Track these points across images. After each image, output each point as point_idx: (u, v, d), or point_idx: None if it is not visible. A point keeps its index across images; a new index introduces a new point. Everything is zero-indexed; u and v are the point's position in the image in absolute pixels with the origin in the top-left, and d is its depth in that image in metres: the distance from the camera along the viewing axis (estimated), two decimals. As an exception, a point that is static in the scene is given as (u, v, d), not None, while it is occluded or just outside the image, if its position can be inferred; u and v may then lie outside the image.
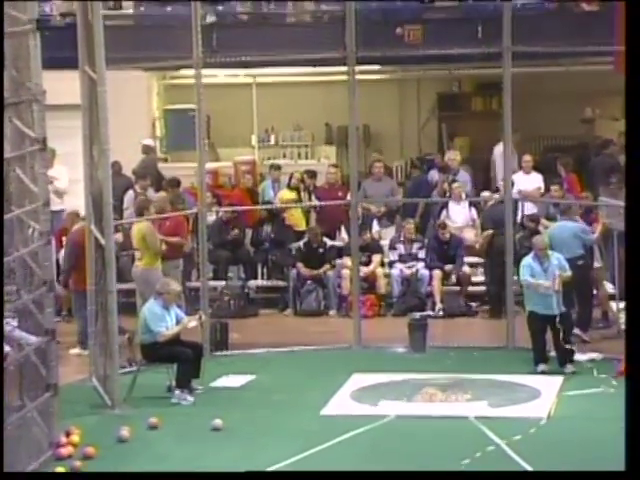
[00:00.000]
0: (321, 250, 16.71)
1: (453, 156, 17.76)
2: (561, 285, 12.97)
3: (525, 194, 16.41)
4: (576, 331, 13.53)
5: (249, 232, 17.38)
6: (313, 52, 15.52)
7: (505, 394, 12.17)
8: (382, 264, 16.68)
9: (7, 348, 10.05)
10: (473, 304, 16.27)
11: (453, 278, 16.42)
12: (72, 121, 13.90)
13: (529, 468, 9.98)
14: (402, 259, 16.56)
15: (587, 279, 14.32)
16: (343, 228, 16.78)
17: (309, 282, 16.52)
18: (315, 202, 17.18)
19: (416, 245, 16.58)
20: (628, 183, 9.15)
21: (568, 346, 12.90)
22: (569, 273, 13.26)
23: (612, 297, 15.33)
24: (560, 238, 14.00)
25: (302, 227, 17.24)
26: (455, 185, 16.92)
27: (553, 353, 13.12)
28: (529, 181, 16.91)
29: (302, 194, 17.46)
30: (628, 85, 8.91)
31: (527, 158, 17.24)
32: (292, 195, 17.36)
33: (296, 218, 17.31)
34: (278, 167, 18.15)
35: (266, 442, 10.97)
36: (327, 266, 16.59)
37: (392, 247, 16.74)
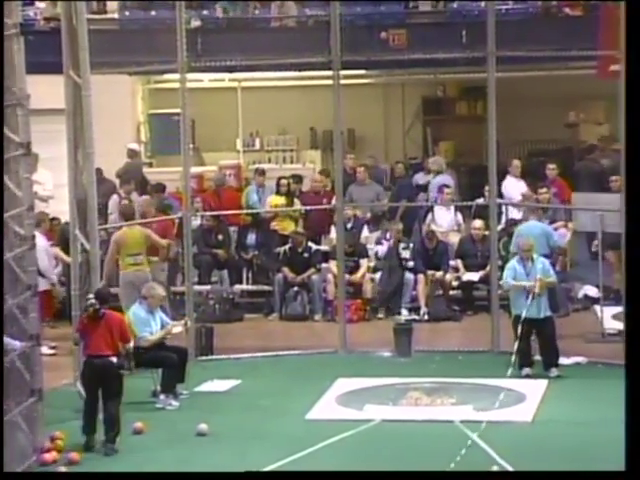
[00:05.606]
0: (306, 254, 16.71)
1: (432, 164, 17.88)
2: (544, 289, 13.01)
3: (526, 198, 16.43)
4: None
5: (234, 236, 17.38)
6: (298, 56, 15.52)
7: (490, 398, 12.17)
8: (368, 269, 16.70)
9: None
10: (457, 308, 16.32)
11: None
12: (56, 125, 13.88)
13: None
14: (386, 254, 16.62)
15: None
16: (333, 231, 16.76)
17: (295, 287, 16.50)
18: (302, 207, 17.18)
19: (401, 245, 16.57)
20: (628, 186, 9.18)
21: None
22: (553, 279, 13.29)
23: (596, 301, 15.38)
24: (529, 236, 13.96)
25: (289, 231, 17.21)
26: (447, 190, 16.96)
27: (538, 357, 13.17)
28: (520, 186, 16.96)
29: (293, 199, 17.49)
30: (628, 88, 8.91)
31: (517, 163, 17.28)
32: (281, 200, 17.36)
33: (286, 223, 17.27)
34: (262, 172, 18.14)
35: (251, 447, 10.97)
36: (312, 270, 16.60)
37: (378, 242, 16.79)
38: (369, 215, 17.50)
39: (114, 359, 10.96)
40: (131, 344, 11.73)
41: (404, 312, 15.96)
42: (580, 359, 13.62)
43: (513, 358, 12.74)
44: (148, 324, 12.48)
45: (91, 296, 11.24)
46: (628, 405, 8.26)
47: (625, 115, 8.85)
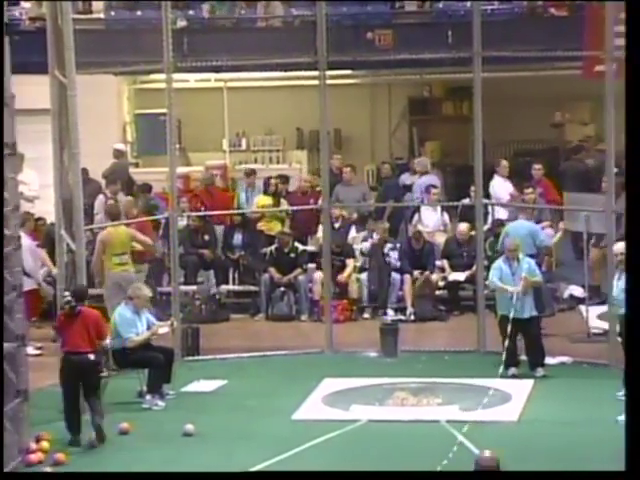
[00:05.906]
0: (293, 255, 16.70)
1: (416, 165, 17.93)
2: (530, 288, 13.03)
3: (515, 197, 16.45)
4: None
5: (220, 236, 17.37)
6: (284, 57, 15.53)
7: (476, 398, 12.19)
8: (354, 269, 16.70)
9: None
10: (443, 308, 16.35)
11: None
12: (42, 125, 13.84)
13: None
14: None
15: None
16: (320, 231, 16.75)
17: (281, 287, 16.48)
18: (289, 208, 17.17)
19: (388, 245, 16.57)
20: (628, 187, 9.19)
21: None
22: (538, 278, 13.31)
23: (582, 301, 15.42)
24: (515, 236, 13.99)
25: (275, 232, 17.20)
26: (434, 191, 16.98)
27: (524, 357, 13.19)
28: (507, 186, 16.99)
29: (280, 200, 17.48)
30: (628, 88, 8.91)
31: (505, 163, 17.32)
32: (269, 201, 17.36)
33: (273, 223, 17.26)
34: (252, 172, 18.12)
35: (238, 447, 10.96)
36: (299, 271, 16.59)
37: (364, 240, 16.82)
38: (355, 215, 17.51)
39: (92, 356, 11.13)
40: (107, 341, 11.82)
41: (390, 312, 15.98)
42: (565, 359, 13.65)
43: (504, 356, 12.76)
44: (134, 325, 12.46)
45: (67, 294, 11.36)
46: (628, 405, 8.25)
47: (625, 115, 8.85)
